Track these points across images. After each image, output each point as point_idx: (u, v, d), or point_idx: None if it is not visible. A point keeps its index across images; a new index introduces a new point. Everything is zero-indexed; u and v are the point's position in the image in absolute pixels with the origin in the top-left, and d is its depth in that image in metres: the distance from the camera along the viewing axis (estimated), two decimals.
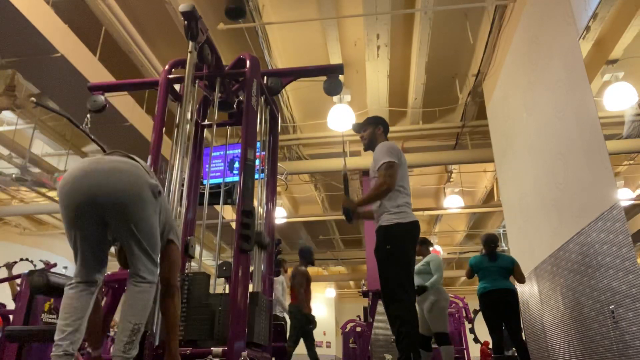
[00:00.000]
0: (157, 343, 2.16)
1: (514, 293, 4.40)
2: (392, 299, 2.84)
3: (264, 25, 5.72)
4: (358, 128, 3.34)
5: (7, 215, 10.26)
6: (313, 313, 5.72)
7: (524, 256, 5.22)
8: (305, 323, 5.52)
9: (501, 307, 4.35)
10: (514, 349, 4.59)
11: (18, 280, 4.71)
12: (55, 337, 1.86)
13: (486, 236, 4.70)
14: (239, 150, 2.71)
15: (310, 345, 5.64)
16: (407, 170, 3.11)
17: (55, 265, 5.31)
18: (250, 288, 2.61)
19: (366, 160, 7.72)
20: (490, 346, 4.59)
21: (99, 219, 1.85)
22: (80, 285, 1.94)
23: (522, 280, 4.56)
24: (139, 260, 1.94)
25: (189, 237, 2.70)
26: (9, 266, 5.60)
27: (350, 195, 3.28)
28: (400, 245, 2.87)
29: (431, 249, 5.22)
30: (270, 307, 2.93)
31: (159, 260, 2.02)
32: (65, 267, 8.34)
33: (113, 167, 1.85)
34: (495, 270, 4.45)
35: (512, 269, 4.49)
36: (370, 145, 3.28)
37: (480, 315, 9.32)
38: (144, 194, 1.86)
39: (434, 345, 4.87)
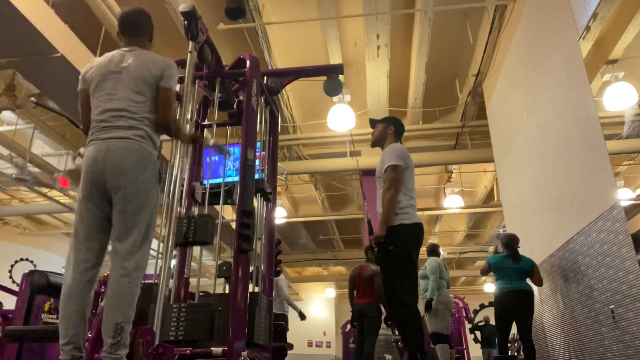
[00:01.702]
0: (157, 342, 2.16)
1: (531, 295, 4.36)
2: (397, 299, 2.84)
3: (264, 25, 5.72)
4: (372, 123, 3.34)
5: (7, 215, 10.26)
6: (313, 314, 5.62)
7: None
8: (380, 324, 5.41)
9: (518, 308, 4.32)
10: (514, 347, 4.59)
11: None
12: (60, 342, 1.86)
13: (509, 237, 4.64)
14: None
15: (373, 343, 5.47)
16: (413, 173, 3.11)
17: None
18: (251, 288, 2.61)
19: (366, 160, 7.72)
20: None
21: (104, 189, 2.01)
22: (76, 279, 1.95)
23: (540, 283, 4.50)
24: (128, 238, 1.97)
25: (194, 182, 2.70)
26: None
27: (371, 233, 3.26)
28: (404, 246, 2.87)
29: (443, 254, 5.25)
30: (270, 307, 2.93)
31: (149, 247, 2.06)
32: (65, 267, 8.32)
33: (120, 146, 2.05)
34: (515, 271, 4.40)
35: (531, 272, 4.44)
36: (376, 142, 3.28)
37: (478, 316, 9.35)
38: (140, 161, 2.06)
39: (433, 346, 4.90)
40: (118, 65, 2.18)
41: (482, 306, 9.32)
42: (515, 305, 4.32)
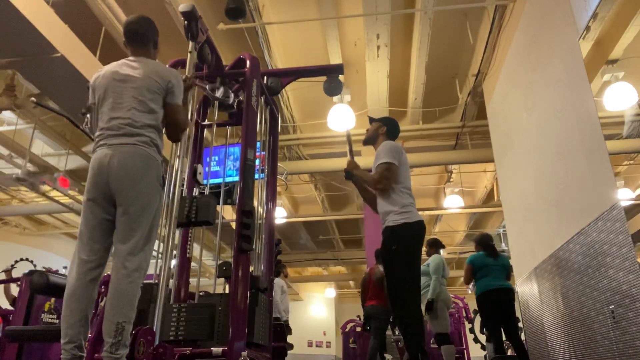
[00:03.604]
0: (157, 342, 2.16)
1: (513, 292, 4.42)
2: (398, 299, 2.85)
3: (264, 25, 5.72)
4: (370, 120, 3.35)
5: (7, 215, 10.26)
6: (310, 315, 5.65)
7: (524, 256, 5.21)
8: (387, 325, 5.44)
9: (503, 306, 4.35)
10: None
11: (16, 285, 4.68)
12: (61, 341, 1.88)
13: (483, 236, 4.73)
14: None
15: (377, 345, 5.51)
16: (409, 170, 3.11)
17: (56, 271, 5.28)
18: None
19: (366, 160, 7.71)
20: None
21: (109, 192, 2.06)
22: (79, 279, 1.96)
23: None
24: (130, 239, 1.99)
25: (195, 164, 2.73)
26: (7, 271, 5.49)
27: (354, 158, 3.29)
28: (407, 245, 2.87)
29: (442, 251, 5.22)
30: (270, 307, 2.93)
31: (151, 249, 2.09)
32: (65, 267, 8.33)
33: (124, 151, 2.10)
34: (498, 268, 4.46)
35: (509, 267, 4.53)
36: (368, 140, 3.30)
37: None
38: (143, 168, 2.11)
39: (433, 346, 4.88)
40: (124, 75, 2.23)
41: (476, 312, 9.32)
42: (499, 303, 4.34)
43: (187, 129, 2.41)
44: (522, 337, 4.62)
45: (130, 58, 2.33)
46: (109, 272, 2.18)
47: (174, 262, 2.75)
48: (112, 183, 2.04)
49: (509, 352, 5.85)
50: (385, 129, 3.23)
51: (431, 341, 5.21)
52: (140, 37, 2.36)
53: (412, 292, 2.83)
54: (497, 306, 4.36)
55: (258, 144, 3.06)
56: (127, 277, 1.94)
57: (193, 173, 2.71)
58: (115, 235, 2.05)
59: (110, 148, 2.09)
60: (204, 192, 2.85)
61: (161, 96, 2.22)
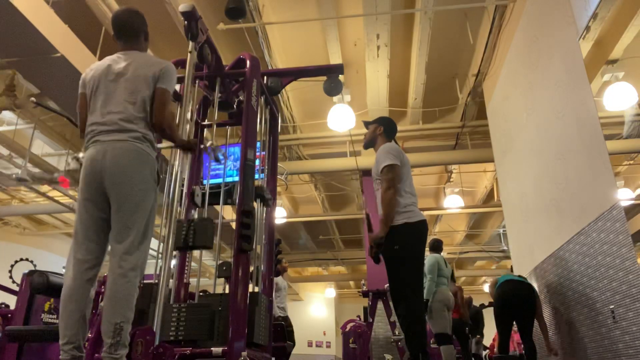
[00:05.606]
0: (157, 342, 2.16)
1: (533, 289, 4.39)
2: (401, 298, 2.85)
3: (264, 25, 5.72)
4: (365, 125, 3.36)
5: (7, 215, 10.26)
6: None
7: (523, 256, 5.22)
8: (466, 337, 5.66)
9: (520, 298, 4.30)
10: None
11: None
12: (60, 342, 1.88)
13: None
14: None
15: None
16: (410, 170, 3.11)
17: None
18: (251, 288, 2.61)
19: (366, 160, 7.72)
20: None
21: (103, 189, 2.03)
22: (76, 280, 1.96)
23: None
24: (126, 237, 1.98)
25: (194, 186, 2.72)
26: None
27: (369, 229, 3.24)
28: (409, 245, 2.87)
29: (443, 253, 5.24)
30: (270, 307, 2.93)
31: (147, 248, 2.07)
32: (65, 267, 8.30)
33: (117, 147, 2.06)
34: (517, 276, 4.57)
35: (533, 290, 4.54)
36: (367, 144, 3.30)
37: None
38: (137, 165, 2.07)
39: (434, 346, 4.87)
40: (116, 69, 2.20)
41: (482, 306, 9.29)
42: (517, 295, 4.29)
43: (174, 125, 2.26)
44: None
45: (122, 52, 2.29)
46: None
47: (174, 262, 2.75)
48: (105, 180, 2.01)
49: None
50: (382, 129, 3.24)
51: (431, 341, 5.19)
52: (129, 29, 2.32)
53: (414, 292, 2.83)
54: (511, 301, 4.32)
55: (258, 144, 3.06)
56: (124, 277, 1.93)
57: (191, 195, 2.69)
58: (111, 234, 2.02)
59: (103, 145, 2.06)
60: (204, 194, 2.85)
61: (153, 85, 2.16)
